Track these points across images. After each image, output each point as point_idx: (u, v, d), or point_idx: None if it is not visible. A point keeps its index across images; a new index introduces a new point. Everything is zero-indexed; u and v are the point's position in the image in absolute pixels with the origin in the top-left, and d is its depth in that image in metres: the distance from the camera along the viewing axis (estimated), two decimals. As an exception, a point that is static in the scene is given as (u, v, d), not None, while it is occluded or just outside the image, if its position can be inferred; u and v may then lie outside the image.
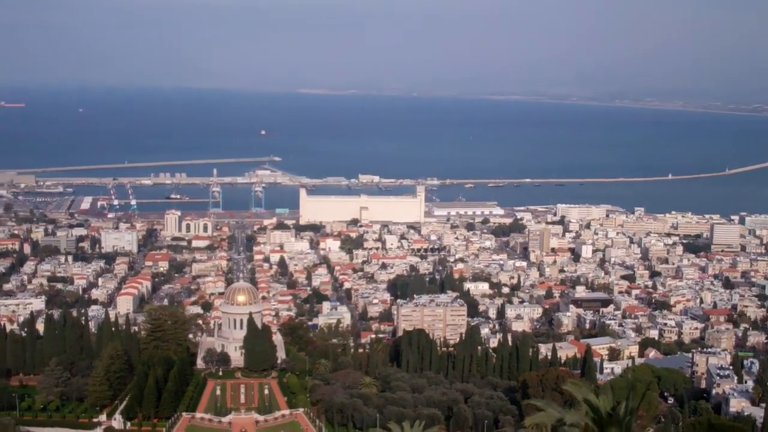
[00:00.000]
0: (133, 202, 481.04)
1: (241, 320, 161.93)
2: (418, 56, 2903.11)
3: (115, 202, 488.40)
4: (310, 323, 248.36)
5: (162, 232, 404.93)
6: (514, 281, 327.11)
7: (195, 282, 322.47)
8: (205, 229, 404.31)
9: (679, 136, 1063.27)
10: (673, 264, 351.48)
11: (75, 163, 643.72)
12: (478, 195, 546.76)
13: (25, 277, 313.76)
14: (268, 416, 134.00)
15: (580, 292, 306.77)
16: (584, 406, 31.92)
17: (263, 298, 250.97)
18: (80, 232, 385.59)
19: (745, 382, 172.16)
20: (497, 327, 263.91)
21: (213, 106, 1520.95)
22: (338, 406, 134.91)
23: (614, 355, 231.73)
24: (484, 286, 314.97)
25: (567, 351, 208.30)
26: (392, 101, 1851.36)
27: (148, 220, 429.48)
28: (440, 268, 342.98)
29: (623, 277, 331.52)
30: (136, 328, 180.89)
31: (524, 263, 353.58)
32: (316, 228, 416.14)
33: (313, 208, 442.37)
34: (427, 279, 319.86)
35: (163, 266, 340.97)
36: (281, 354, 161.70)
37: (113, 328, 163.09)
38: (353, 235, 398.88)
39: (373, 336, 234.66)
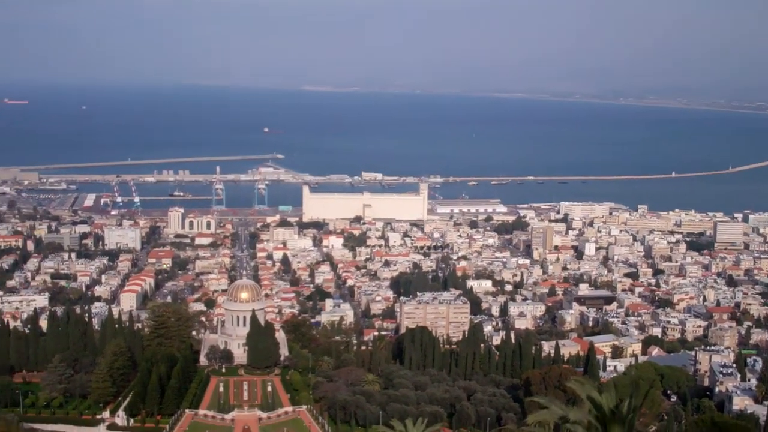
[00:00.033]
0: (137, 199, 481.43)
1: (244, 317, 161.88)
2: (422, 53, 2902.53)
3: (119, 200, 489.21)
4: (313, 320, 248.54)
5: (165, 230, 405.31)
6: (517, 279, 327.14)
7: (198, 279, 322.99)
8: (209, 226, 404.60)
9: (682, 133, 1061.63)
10: (677, 262, 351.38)
11: (78, 160, 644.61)
12: (481, 192, 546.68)
13: (29, 274, 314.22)
14: (271, 413, 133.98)
15: (583, 289, 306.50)
16: (587, 403, 31.93)
17: (266, 295, 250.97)
18: (83, 229, 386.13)
19: (748, 380, 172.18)
20: (500, 324, 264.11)
21: (216, 103, 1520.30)
22: (341, 403, 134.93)
23: (617, 352, 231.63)
24: (487, 284, 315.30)
25: (570, 349, 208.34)
26: (395, 98, 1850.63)
27: (152, 217, 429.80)
28: (443, 265, 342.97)
29: (626, 275, 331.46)
30: (140, 325, 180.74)
31: (527, 261, 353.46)
32: (319, 225, 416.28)
33: (316, 206, 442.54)
34: (430, 276, 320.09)
35: (167, 263, 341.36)
36: (284, 351, 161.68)
37: (116, 325, 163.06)
38: (356, 232, 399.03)
39: (376, 333, 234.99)
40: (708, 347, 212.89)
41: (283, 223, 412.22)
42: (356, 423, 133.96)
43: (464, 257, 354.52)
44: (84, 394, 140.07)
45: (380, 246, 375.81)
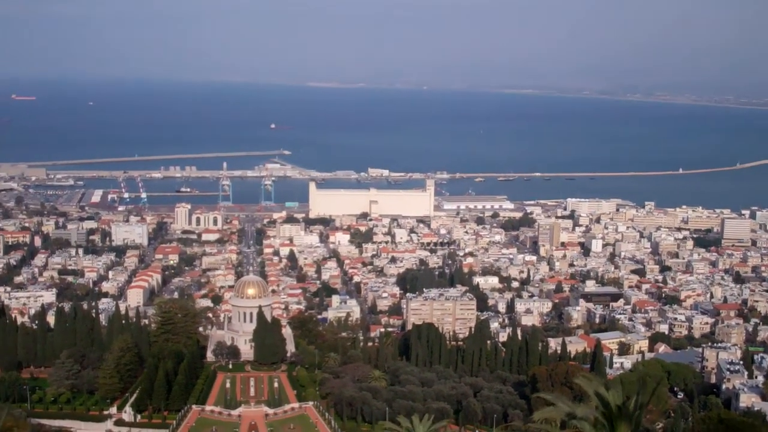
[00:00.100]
0: (144, 195, 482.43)
1: (251, 313, 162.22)
2: (428, 49, 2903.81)
3: (126, 196, 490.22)
4: (319, 317, 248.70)
5: (172, 226, 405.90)
6: (524, 275, 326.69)
7: (205, 275, 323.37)
8: (215, 222, 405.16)
9: (689, 130, 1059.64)
10: (684, 258, 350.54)
11: (85, 156, 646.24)
12: (487, 189, 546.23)
13: (36, 270, 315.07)
14: (278, 409, 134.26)
15: (590, 286, 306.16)
16: (595, 399, 31.88)
17: (273, 291, 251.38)
18: (91, 225, 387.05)
19: (756, 377, 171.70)
20: (507, 321, 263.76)
21: (222, 99, 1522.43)
22: (347, 399, 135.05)
23: (624, 349, 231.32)
24: (493, 280, 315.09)
25: (576, 345, 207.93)
26: (402, 95, 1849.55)
27: (159, 213, 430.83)
28: (450, 262, 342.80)
29: (633, 272, 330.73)
30: (147, 321, 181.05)
31: (534, 257, 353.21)
32: (326, 221, 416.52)
33: (322, 202, 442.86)
34: (437, 273, 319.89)
35: (173, 259, 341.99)
36: (291, 347, 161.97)
37: (123, 321, 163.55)
38: (363, 228, 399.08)
39: (383, 330, 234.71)
40: (715, 344, 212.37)
41: (290, 220, 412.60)
42: (363, 419, 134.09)
43: (471, 254, 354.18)
44: (91, 390, 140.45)
45: (387, 242, 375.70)
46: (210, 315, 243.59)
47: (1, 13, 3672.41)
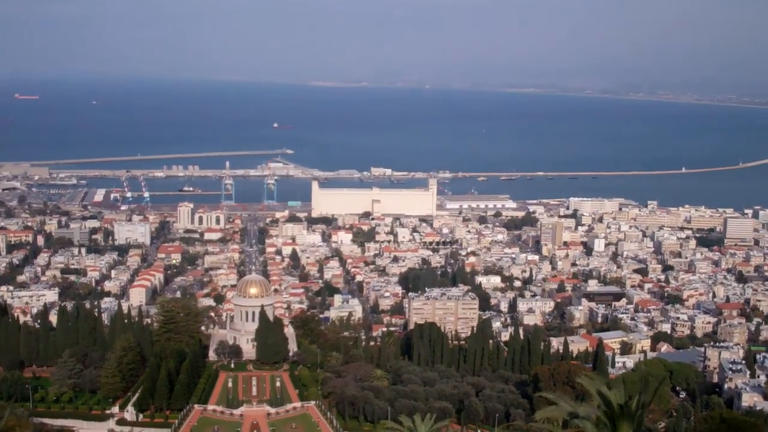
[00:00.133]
0: (146, 194, 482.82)
1: (253, 313, 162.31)
2: (431, 48, 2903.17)
3: (128, 195, 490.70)
4: (321, 316, 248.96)
5: (175, 225, 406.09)
6: (526, 275, 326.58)
7: (207, 274, 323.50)
8: (218, 221, 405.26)
9: (692, 129, 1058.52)
10: (686, 258, 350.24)
11: (88, 155, 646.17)
12: (490, 188, 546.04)
13: (39, 269, 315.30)
14: (280, 408, 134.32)
15: (593, 285, 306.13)
16: (597, 398, 31.82)
17: (275, 290, 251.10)
18: (93, 224, 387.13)
19: (758, 377, 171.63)
20: (509, 320, 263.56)
21: (225, 98, 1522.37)
22: (349, 398, 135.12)
23: (626, 349, 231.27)
24: (495, 280, 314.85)
25: (579, 345, 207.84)
26: (405, 93, 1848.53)
27: (161, 212, 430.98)
28: (452, 261, 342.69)
29: (636, 271, 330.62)
30: (149, 320, 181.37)
31: (536, 257, 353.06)
32: (328, 221, 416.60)
33: (325, 201, 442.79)
34: (439, 272, 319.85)
35: (176, 258, 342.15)
36: (293, 347, 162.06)
37: (126, 320, 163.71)
38: (365, 228, 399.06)
39: (385, 329, 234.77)
40: (717, 344, 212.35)
41: (292, 219, 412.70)
42: (365, 418, 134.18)
43: (473, 253, 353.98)
44: (93, 389, 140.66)
45: (389, 241, 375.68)
46: (212, 314, 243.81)
47: (3, 12, 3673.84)
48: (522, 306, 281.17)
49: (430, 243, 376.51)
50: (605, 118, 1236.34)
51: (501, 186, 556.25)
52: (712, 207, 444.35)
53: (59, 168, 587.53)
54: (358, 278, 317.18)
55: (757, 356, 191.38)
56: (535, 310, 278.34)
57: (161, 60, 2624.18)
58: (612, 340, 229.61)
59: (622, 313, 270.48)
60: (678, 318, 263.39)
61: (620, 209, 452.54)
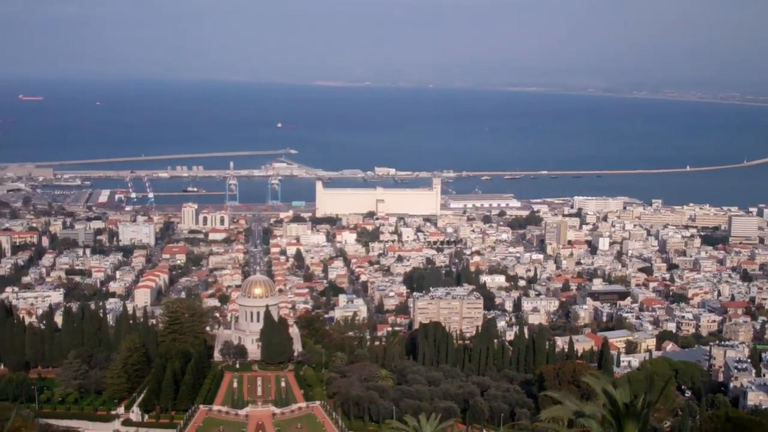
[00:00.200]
0: (151, 195, 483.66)
1: (258, 313, 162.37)
2: (434, 48, 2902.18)
3: (133, 195, 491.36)
4: (326, 316, 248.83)
5: (179, 225, 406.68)
6: (531, 274, 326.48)
7: (212, 275, 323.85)
8: (222, 221, 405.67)
9: (696, 127, 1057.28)
10: (691, 256, 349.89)
11: (93, 156, 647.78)
12: (494, 187, 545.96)
13: (44, 270, 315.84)
14: (285, 409, 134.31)
15: (597, 284, 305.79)
16: (602, 397, 31.83)
17: (280, 290, 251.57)
18: (98, 225, 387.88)
19: (764, 376, 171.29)
20: (514, 320, 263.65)
21: (228, 99, 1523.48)
22: (354, 398, 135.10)
23: (631, 348, 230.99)
24: (500, 279, 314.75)
25: (584, 344, 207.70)
26: (408, 93, 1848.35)
27: (166, 213, 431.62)
28: (456, 260, 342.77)
29: (640, 270, 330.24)
30: (154, 321, 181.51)
31: (541, 256, 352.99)
32: (333, 221, 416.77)
33: (329, 201, 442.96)
34: (444, 272, 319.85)
35: (181, 259, 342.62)
36: (298, 347, 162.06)
37: (131, 321, 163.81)
38: (369, 227, 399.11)
39: (390, 329, 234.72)
40: (722, 342, 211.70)
41: (297, 219, 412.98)
42: (370, 418, 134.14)
43: (477, 252, 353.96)
44: (99, 390, 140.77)
45: (393, 241, 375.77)
46: (217, 314, 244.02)
47: (5, 13, 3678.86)
48: (527, 305, 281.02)
49: (435, 242, 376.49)
50: (609, 116, 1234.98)
51: (505, 185, 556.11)
52: (716, 205, 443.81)
53: (64, 169, 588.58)
54: (363, 278, 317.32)
55: (763, 355, 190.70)
56: (539, 310, 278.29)
57: (162, 60, 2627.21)
58: (617, 339, 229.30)
59: (627, 312, 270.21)
60: (683, 317, 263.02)
61: (625, 208, 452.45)
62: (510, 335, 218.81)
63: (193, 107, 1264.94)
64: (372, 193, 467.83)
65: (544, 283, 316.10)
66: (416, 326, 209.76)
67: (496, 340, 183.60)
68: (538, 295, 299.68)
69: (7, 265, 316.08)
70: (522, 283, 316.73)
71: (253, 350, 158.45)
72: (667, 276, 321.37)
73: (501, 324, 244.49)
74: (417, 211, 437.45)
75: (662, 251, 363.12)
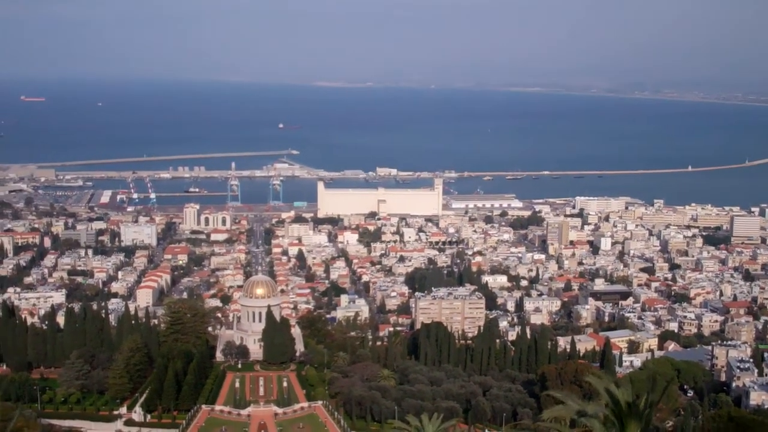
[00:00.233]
0: (153, 195, 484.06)
1: (260, 313, 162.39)
2: (436, 48, 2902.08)
3: (135, 196, 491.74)
4: (328, 316, 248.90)
5: (181, 226, 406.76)
6: (533, 274, 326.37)
7: (214, 275, 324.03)
8: (224, 222, 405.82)
9: (698, 127, 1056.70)
10: (693, 256, 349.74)
11: (95, 156, 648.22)
12: (496, 188, 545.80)
13: (46, 271, 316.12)
14: (287, 409, 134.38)
15: (599, 284, 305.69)
16: (605, 397, 31.80)
17: (282, 291, 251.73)
18: (100, 225, 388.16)
19: (766, 375, 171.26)
20: (516, 320, 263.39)
21: (229, 99, 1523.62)
22: (357, 398, 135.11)
23: (633, 348, 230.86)
24: (502, 279, 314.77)
25: (586, 344, 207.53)
26: (410, 93, 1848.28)
27: (167, 213, 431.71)
28: (458, 261, 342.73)
29: (642, 270, 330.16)
30: (156, 321, 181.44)
31: (543, 256, 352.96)
32: (334, 221, 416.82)
33: (331, 201, 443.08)
34: (445, 272, 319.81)
35: (182, 259, 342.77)
36: (300, 347, 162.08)
37: (133, 321, 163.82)
38: (371, 228, 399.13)
39: (391, 329, 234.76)
40: (725, 342, 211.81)
41: (298, 219, 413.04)
42: (372, 418, 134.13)
43: (479, 252, 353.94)
44: (101, 390, 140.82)
45: (395, 241, 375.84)
46: (219, 315, 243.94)
47: (6, 14, 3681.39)
48: (529, 305, 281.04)
49: (437, 243, 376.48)
50: (610, 116, 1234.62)
51: (507, 185, 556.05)
52: (718, 205, 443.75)
53: (65, 170, 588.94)
54: (365, 278, 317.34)
55: (765, 354, 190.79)
56: (541, 310, 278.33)
57: (164, 61, 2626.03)
58: (619, 339, 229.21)
59: (629, 312, 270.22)
60: (685, 317, 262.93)
61: (626, 208, 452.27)
62: (512, 335, 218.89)
63: (195, 108, 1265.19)
64: (374, 193, 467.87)
65: (546, 283, 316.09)
66: (418, 326, 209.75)
67: (498, 340, 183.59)
68: (540, 295, 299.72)
69: (9, 265, 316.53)
70: (524, 283, 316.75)
71: (255, 350, 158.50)
72: (669, 276, 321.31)
73: (503, 324, 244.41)
74: (419, 212, 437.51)
75: (664, 251, 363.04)
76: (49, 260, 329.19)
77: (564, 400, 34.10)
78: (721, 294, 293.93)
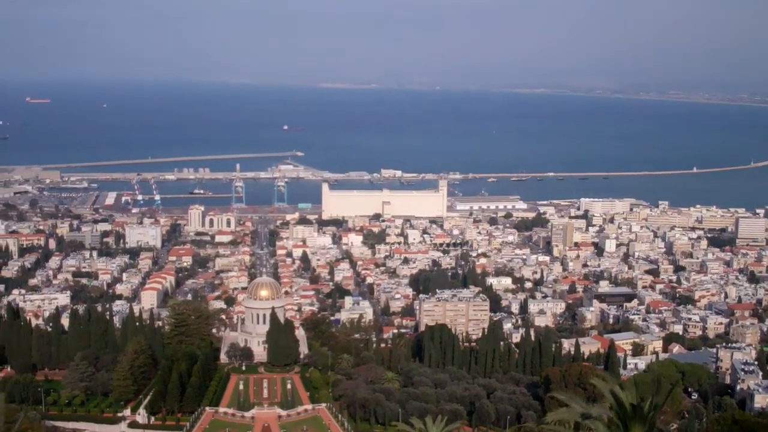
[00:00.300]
0: (157, 197, 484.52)
1: (264, 315, 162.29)
2: (441, 50, 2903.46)
3: (139, 198, 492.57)
4: (332, 318, 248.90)
5: (185, 227, 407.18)
6: (537, 276, 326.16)
7: (218, 277, 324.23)
8: (228, 224, 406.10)
9: (703, 128, 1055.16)
10: (698, 258, 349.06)
11: (99, 158, 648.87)
12: (500, 189, 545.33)
13: (51, 272, 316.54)
14: (291, 411, 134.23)
15: (604, 286, 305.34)
16: (609, 399, 31.74)
17: (286, 293, 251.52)
18: (105, 227, 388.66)
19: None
20: (520, 322, 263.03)
21: (233, 100, 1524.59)
22: (361, 401, 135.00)
23: (638, 350, 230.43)
24: (506, 281, 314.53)
25: (590, 346, 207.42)
26: (414, 95, 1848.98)
27: (172, 215, 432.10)
28: (463, 262, 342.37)
29: (647, 272, 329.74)
30: (160, 323, 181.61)
31: (547, 258, 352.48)
32: (339, 223, 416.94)
33: (335, 203, 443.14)
34: (450, 274, 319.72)
35: (187, 261, 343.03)
36: (304, 349, 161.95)
37: (137, 323, 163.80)
38: (375, 229, 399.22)
39: (396, 331, 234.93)
40: (729, 344, 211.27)
41: (303, 221, 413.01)
42: (376, 421, 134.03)
43: (484, 254, 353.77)
44: (105, 392, 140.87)
45: (399, 243, 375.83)
46: (223, 317, 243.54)
47: (10, 16, 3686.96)
48: (533, 307, 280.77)
49: (441, 244, 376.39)
50: (615, 118, 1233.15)
51: (511, 187, 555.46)
52: (723, 207, 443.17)
53: (70, 171, 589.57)
54: (369, 280, 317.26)
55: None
56: (546, 312, 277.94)
57: (168, 63, 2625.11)
58: (623, 341, 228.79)
59: (634, 314, 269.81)
60: (690, 319, 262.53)
61: (631, 210, 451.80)
62: (516, 337, 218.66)
63: (198, 110, 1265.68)
64: (378, 195, 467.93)
65: (550, 285, 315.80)
66: (422, 328, 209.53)
67: (502, 343, 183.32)
68: (545, 297, 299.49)
69: (14, 267, 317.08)
70: (528, 285, 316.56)
71: (259, 352, 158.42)
72: (674, 278, 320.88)
73: (507, 326, 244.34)
74: (423, 213, 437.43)
75: (669, 253, 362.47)
76: (53, 262, 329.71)
77: (568, 402, 34.05)
78: (726, 296, 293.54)
